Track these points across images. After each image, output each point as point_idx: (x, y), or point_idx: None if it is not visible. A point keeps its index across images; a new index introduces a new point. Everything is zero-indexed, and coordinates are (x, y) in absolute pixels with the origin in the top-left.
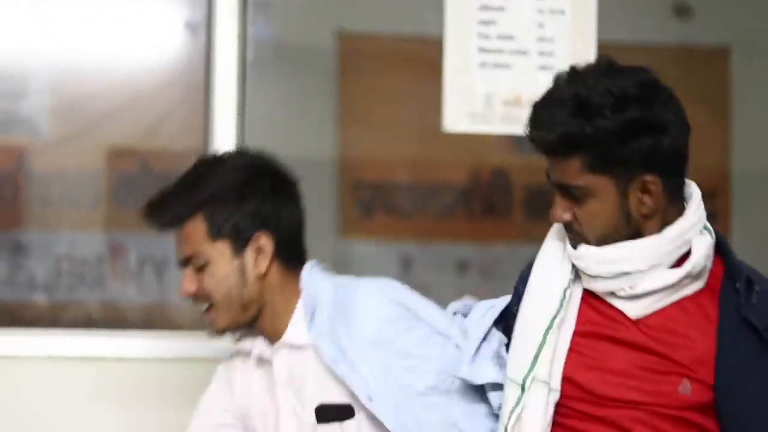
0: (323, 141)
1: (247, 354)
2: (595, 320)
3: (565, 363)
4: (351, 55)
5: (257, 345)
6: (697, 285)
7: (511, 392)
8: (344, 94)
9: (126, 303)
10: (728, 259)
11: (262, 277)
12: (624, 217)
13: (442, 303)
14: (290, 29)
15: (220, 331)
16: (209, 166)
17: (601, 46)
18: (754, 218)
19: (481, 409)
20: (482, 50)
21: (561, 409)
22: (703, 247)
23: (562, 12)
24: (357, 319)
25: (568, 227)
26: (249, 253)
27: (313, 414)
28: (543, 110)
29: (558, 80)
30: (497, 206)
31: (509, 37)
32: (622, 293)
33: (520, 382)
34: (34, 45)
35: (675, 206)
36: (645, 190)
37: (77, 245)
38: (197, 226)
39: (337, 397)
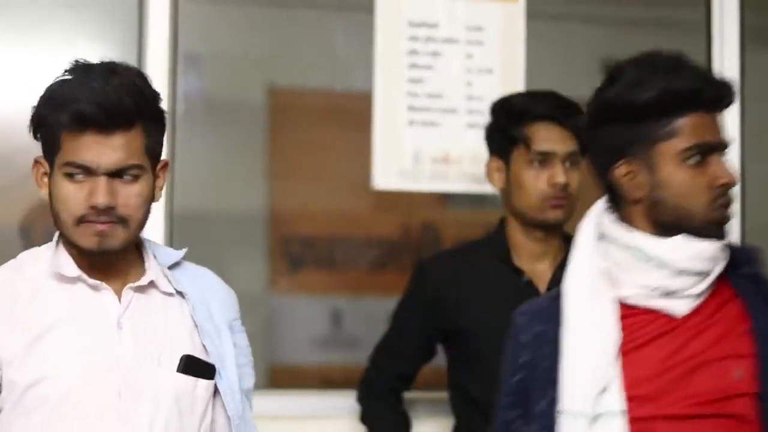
0: (253, 195)
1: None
2: (639, 328)
3: (625, 383)
4: (281, 110)
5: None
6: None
7: (573, 427)
8: (274, 149)
9: None
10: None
11: None
12: None
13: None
14: (220, 84)
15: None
16: None
17: None
18: None
19: None
20: (411, 108)
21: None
22: None
23: (490, 71)
24: (218, 296)
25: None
26: None
27: (176, 361)
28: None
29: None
30: None
31: (438, 96)
32: (681, 294)
33: (592, 414)
34: None
35: None
36: None
37: None
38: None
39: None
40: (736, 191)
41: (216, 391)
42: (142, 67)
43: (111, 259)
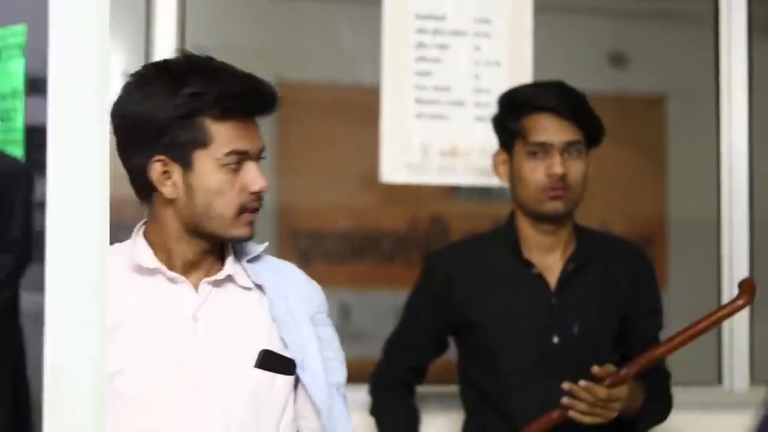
0: None
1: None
2: None
3: None
4: (289, 104)
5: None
6: None
7: None
8: (282, 143)
9: None
10: None
11: None
12: None
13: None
14: None
15: None
16: None
17: None
18: (689, 265)
19: None
20: (419, 101)
21: None
22: None
23: (498, 63)
24: (299, 289)
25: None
26: None
27: (254, 356)
28: None
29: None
30: None
31: (445, 88)
32: None
33: None
34: None
35: None
36: None
37: None
38: None
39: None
40: (743, 183)
41: (301, 385)
42: (149, 61)
43: (202, 252)
